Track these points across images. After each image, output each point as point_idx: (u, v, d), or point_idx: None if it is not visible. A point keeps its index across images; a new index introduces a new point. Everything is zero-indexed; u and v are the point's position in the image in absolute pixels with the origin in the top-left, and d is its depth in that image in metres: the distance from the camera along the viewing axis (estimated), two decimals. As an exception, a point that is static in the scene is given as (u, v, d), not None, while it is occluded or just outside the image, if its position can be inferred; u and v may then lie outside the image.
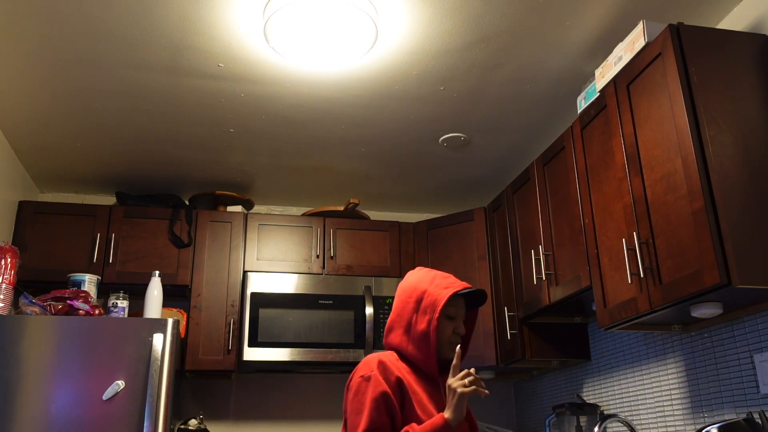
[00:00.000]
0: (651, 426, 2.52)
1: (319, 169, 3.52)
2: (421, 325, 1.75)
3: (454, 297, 1.80)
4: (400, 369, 1.71)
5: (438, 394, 1.77)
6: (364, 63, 2.57)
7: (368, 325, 3.25)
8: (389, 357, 1.74)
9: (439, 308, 1.74)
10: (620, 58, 2.25)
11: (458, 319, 1.81)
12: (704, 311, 1.95)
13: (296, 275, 3.34)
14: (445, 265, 3.48)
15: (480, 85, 2.75)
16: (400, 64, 2.58)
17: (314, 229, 3.52)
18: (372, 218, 3.81)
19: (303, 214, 3.61)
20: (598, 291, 2.30)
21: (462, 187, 3.80)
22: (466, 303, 1.88)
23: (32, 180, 3.54)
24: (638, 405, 2.62)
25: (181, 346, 2.98)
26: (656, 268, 1.97)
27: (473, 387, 1.61)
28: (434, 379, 1.80)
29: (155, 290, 3.00)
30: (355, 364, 3.25)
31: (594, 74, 2.46)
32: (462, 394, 1.60)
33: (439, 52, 2.51)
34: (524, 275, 2.94)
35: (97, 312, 2.81)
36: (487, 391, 1.64)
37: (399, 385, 1.67)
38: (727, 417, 2.13)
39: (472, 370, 1.64)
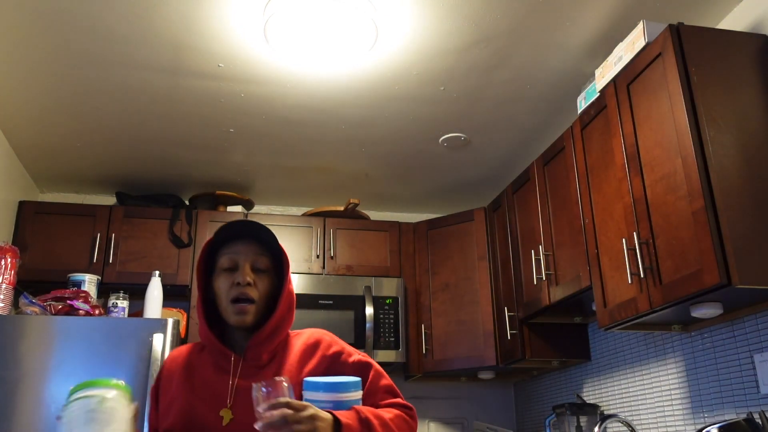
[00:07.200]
0: (651, 426, 2.52)
1: (319, 169, 3.52)
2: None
3: (228, 245, 1.47)
4: None
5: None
6: (364, 63, 2.57)
7: (368, 325, 3.25)
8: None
9: (198, 262, 1.47)
10: (620, 58, 2.25)
11: (239, 269, 1.44)
12: (704, 311, 1.95)
13: (296, 275, 3.33)
14: (445, 265, 3.48)
15: (480, 85, 2.75)
16: (400, 64, 2.58)
17: (314, 229, 3.52)
18: (372, 218, 3.81)
19: (303, 214, 3.61)
20: (598, 291, 2.30)
21: (462, 187, 3.80)
22: (262, 249, 1.54)
23: (32, 180, 3.54)
24: (638, 405, 2.62)
25: (181, 346, 2.98)
26: (656, 268, 1.97)
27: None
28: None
29: (155, 290, 3.00)
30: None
31: (594, 74, 2.46)
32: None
33: (439, 52, 2.51)
34: (524, 275, 2.94)
35: (97, 312, 2.81)
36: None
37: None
38: (727, 417, 2.13)
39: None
